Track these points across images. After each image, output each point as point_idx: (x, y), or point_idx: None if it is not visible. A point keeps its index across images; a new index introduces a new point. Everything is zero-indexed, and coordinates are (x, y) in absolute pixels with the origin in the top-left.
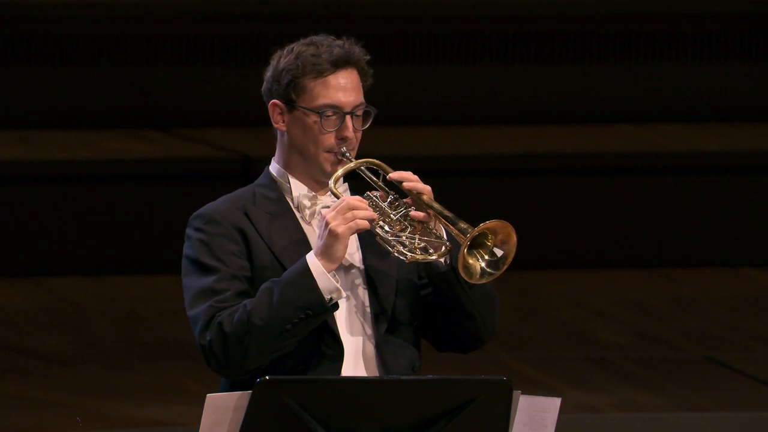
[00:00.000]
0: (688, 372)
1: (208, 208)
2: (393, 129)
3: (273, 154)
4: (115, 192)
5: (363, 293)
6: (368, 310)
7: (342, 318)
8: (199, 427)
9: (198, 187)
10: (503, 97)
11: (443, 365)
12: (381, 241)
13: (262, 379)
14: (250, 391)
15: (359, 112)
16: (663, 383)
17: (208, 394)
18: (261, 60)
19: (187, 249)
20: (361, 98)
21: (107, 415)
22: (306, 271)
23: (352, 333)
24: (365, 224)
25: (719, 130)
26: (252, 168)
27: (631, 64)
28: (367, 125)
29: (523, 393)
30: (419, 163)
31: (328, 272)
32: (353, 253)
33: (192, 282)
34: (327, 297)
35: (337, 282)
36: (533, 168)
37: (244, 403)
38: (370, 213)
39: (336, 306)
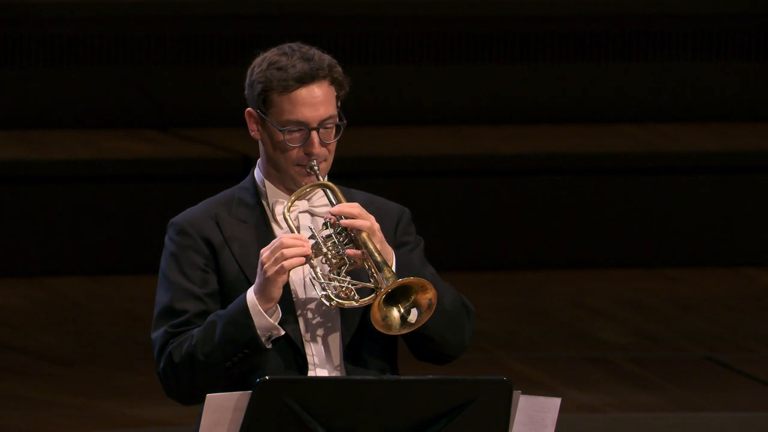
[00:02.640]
0: (688, 372)
1: (182, 216)
2: (393, 129)
3: None
4: (115, 192)
5: (331, 308)
6: (335, 323)
7: (307, 333)
8: (199, 427)
9: (198, 187)
10: (503, 97)
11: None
12: (312, 281)
13: (262, 379)
14: (250, 391)
15: (329, 125)
16: (663, 383)
17: (208, 394)
18: None
19: (162, 258)
20: (330, 111)
21: (107, 415)
22: (244, 308)
23: (318, 347)
24: (297, 262)
25: (719, 130)
26: (252, 168)
27: (631, 64)
28: (338, 137)
29: (523, 393)
30: (419, 163)
31: (266, 310)
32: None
33: (159, 297)
34: (265, 335)
35: (276, 320)
36: (533, 168)
37: (244, 403)
38: (303, 251)
39: (277, 342)
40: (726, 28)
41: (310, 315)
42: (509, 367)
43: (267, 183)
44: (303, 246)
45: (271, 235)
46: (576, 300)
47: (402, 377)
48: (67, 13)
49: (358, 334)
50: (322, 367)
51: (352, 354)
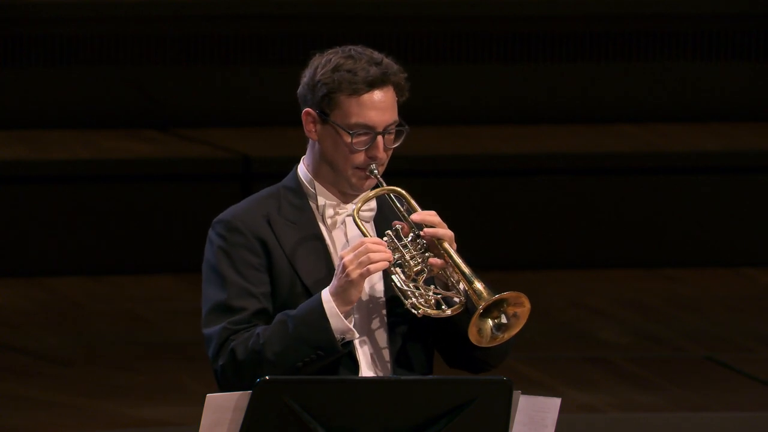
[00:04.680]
0: (688, 372)
1: (231, 213)
2: None
3: (273, 154)
4: (115, 192)
5: (380, 313)
6: (384, 329)
7: (359, 340)
8: (199, 427)
9: (198, 187)
10: (503, 97)
11: (444, 364)
12: (395, 289)
13: (262, 379)
14: (250, 391)
15: (392, 130)
16: (663, 383)
17: (208, 394)
18: (261, 60)
19: (208, 254)
20: (394, 116)
21: (107, 415)
22: (320, 309)
23: (367, 349)
24: (382, 266)
25: (719, 130)
26: (252, 168)
27: (631, 64)
28: (399, 143)
29: (523, 393)
30: (419, 163)
31: (342, 312)
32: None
33: (210, 293)
34: (339, 337)
35: (351, 323)
36: (533, 168)
37: (244, 403)
38: (387, 255)
39: (348, 345)
40: (726, 28)
41: (361, 321)
42: (509, 367)
43: (317, 184)
44: (387, 251)
45: (321, 237)
46: (576, 300)
47: (402, 377)
48: (67, 13)
49: (406, 341)
50: (371, 368)
51: (400, 357)
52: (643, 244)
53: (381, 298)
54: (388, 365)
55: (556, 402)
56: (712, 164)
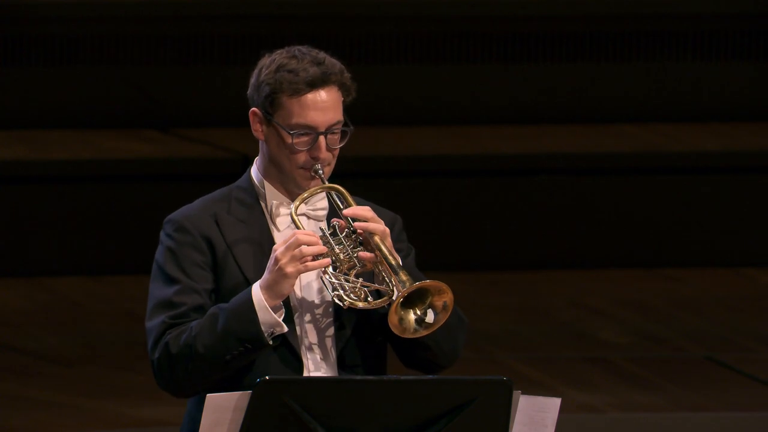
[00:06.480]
0: (688, 372)
1: (180, 213)
2: (393, 129)
3: None
4: (115, 192)
5: (326, 309)
6: (330, 326)
7: (304, 335)
8: (199, 427)
9: (198, 187)
10: (503, 97)
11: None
12: (324, 282)
13: (262, 379)
14: (250, 391)
15: (336, 130)
16: (663, 383)
17: (208, 394)
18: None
19: (157, 253)
20: (338, 116)
21: (107, 415)
22: (249, 303)
23: (312, 349)
24: (316, 265)
25: (719, 130)
26: (248, 167)
27: (631, 64)
28: (344, 143)
29: (523, 393)
30: (419, 163)
31: (272, 306)
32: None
33: (154, 290)
34: (268, 331)
35: (280, 316)
36: (533, 168)
37: (244, 403)
38: (320, 249)
39: (277, 339)
40: (726, 28)
41: (306, 318)
42: (509, 367)
43: (266, 184)
44: (318, 244)
45: (270, 236)
46: (576, 300)
47: (402, 377)
48: (67, 13)
49: (352, 338)
50: (317, 370)
51: (346, 358)
52: (643, 244)
53: (325, 295)
54: (335, 367)
55: (556, 402)
56: (712, 164)
